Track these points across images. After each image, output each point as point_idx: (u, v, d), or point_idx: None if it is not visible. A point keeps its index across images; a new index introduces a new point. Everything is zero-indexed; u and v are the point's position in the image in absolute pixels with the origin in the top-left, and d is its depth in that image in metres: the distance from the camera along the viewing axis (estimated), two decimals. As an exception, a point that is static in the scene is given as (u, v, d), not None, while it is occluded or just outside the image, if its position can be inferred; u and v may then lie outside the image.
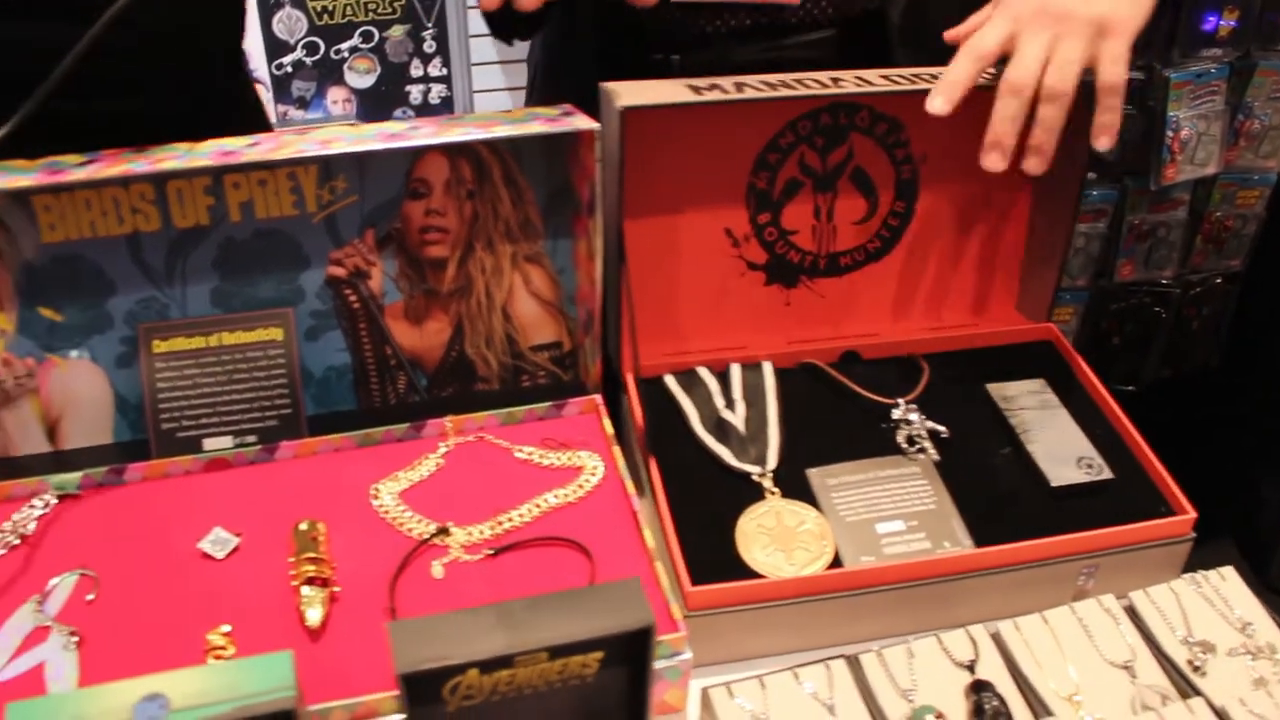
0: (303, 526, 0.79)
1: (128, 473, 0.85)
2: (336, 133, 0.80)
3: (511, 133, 0.79)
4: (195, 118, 0.83)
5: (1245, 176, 1.67)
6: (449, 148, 0.84)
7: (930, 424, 0.92)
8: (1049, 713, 0.74)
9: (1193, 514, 0.85)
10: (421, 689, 0.64)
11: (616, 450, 0.87)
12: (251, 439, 0.86)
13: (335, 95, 2.35)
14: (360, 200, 0.85)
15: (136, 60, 0.87)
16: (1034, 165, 0.86)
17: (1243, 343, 1.91)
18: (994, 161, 0.85)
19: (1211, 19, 1.52)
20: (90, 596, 0.76)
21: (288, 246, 0.85)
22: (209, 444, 0.86)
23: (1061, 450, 0.91)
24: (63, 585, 0.77)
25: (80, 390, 0.86)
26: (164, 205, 0.81)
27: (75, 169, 0.75)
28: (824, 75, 0.90)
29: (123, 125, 0.81)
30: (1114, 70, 0.84)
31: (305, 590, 0.75)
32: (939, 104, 0.86)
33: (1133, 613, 0.82)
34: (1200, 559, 0.86)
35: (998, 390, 0.97)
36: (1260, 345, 1.83)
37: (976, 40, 0.86)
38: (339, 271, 0.87)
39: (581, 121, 0.80)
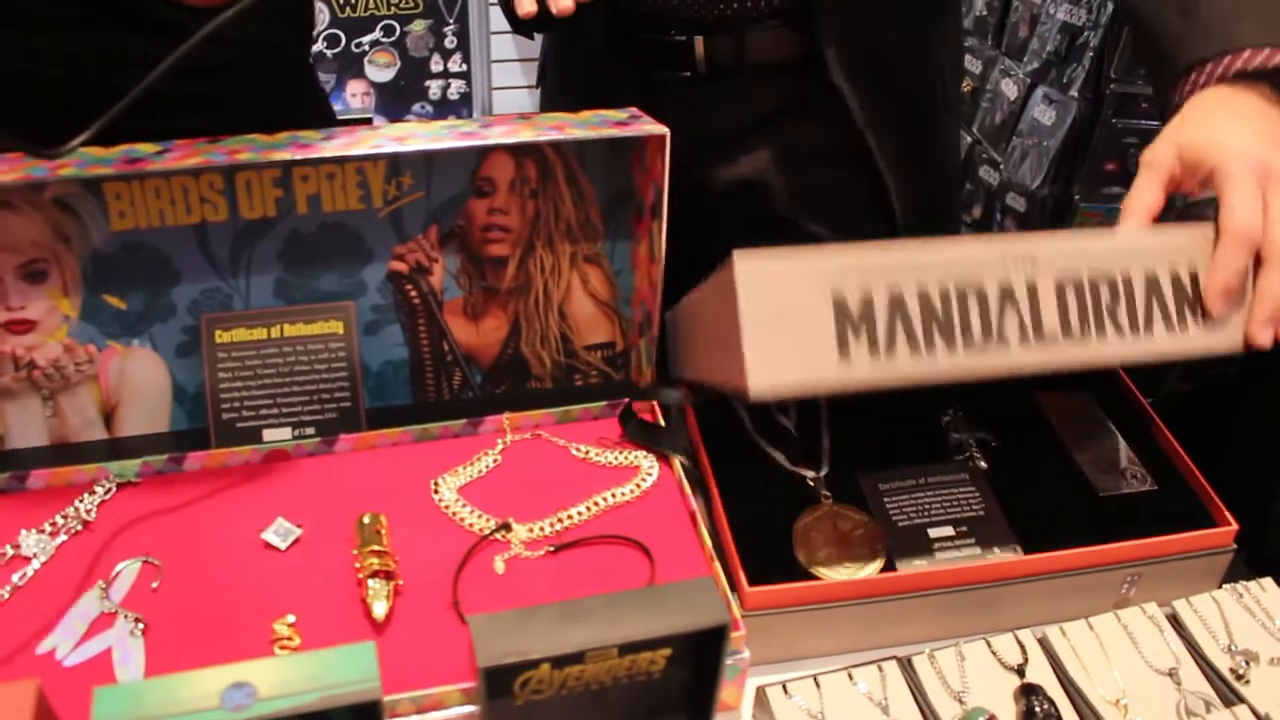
0: (366, 519, 0.80)
1: (187, 461, 0.85)
2: (409, 129, 0.81)
3: (585, 135, 0.80)
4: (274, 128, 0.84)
5: None
6: (516, 148, 0.85)
7: (979, 434, 0.93)
8: (1097, 717, 0.76)
9: (1234, 526, 0.87)
10: (496, 683, 0.65)
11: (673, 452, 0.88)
12: (310, 431, 0.87)
13: (354, 88, 2.35)
14: (426, 197, 0.86)
15: (225, 75, 0.88)
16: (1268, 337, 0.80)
17: (1261, 355, 1.92)
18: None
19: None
20: (155, 584, 0.77)
21: (352, 240, 0.86)
22: (268, 435, 0.87)
23: (1107, 460, 0.92)
24: (127, 572, 0.78)
25: (139, 378, 0.87)
26: (232, 196, 0.82)
27: (152, 158, 0.76)
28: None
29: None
30: None
31: (371, 583, 0.76)
32: (1267, 336, 0.79)
33: (1176, 621, 0.84)
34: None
35: (1045, 399, 0.99)
36: (1278, 358, 1.84)
37: (1243, 225, 0.77)
38: (401, 267, 0.88)
39: (650, 126, 0.81)
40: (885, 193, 1.11)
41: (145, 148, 0.78)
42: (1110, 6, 1.64)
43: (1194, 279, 0.79)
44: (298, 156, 0.77)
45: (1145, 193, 0.82)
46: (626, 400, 0.91)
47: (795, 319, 0.72)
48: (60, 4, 0.83)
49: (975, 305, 0.75)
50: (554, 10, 0.78)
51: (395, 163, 0.84)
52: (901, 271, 0.73)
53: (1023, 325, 0.76)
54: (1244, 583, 0.87)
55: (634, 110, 0.85)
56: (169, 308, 0.85)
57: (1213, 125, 0.81)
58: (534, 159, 0.86)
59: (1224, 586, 0.87)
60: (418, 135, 0.79)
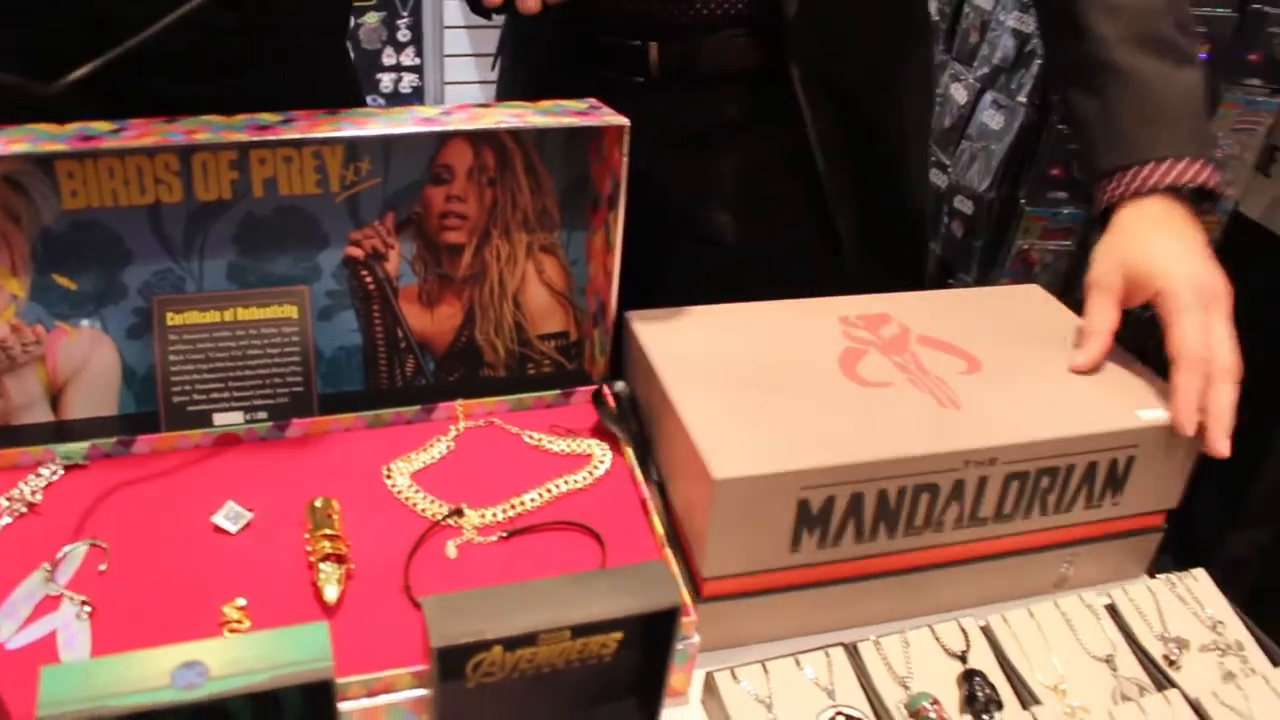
0: (318, 503, 0.80)
1: (136, 445, 0.85)
2: (368, 114, 0.81)
3: (544, 123, 0.81)
4: (299, 102, 0.83)
5: (1205, 202, 1.74)
6: (475, 135, 0.85)
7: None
8: (1036, 701, 0.78)
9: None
10: (449, 664, 0.66)
11: (624, 440, 0.89)
12: (262, 416, 0.87)
13: (306, 79, 2.33)
14: (383, 182, 0.86)
15: (238, 40, 0.88)
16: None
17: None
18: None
19: (1182, 49, 1.59)
20: (102, 567, 0.76)
21: (308, 225, 0.86)
22: (219, 419, 0.86)
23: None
24: (73, 555, 0.77)
25: (88, 360, 0.86)
26: (187, 177, 0.81)
27: (107, 136, 0.75)
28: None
29: (226, 108, 0.81)
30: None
31: (323, 567, 0.76)
32: (1225, 446, 0.87)
33: (1113, 610, 0.86)
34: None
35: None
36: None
37: (1197, 351, 0.86)
38: (357, 252, 0.88)
39: (610, 116, 0.82)
40: (831, 217, 1.11)
41: (101, 125, 0.77)
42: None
43: (1128, 465, 0.85)
44: (255, 139, 0.77)
45: (1101, 314, 0.90)
46: (596, 386, 0.92)
47: (759, 520, 0.77)
48: None
49: (925, 501, 0.80)
50: (519, 9, 0.78)
51: (353, 148, 0.84)
52: (869, 477, 0.78)
53: (961, 514, 0.82)
54: (1177, 574, 0.90)
55: (593, 101, 0.86)
56: (120, 289, 0.84)
57: (1152, 246, 0.88)
58: (492, 147, 0.86)
59: (1159, 577, 0.90)
60: (376, 120, 0.79)
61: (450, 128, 0.80)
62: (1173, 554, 1.94)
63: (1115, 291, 0.91)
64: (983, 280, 1.79)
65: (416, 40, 2.36)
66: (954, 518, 0.82)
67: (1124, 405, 0.86)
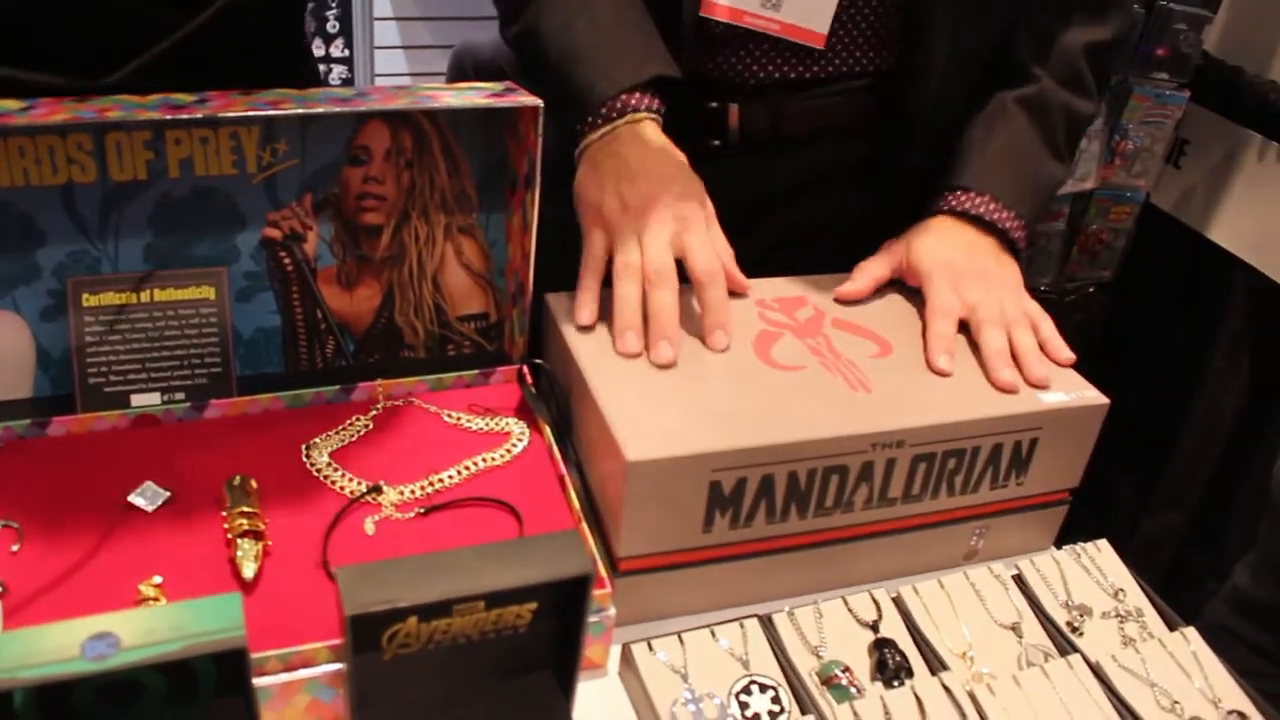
0: (236, 481, 0.80)
1: (51, 426, 0.84)
2: (284, 94, 0.81)
3: (458, 103, 0.82)
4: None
5: (1119, 194, 1.79)
6: (391, 116, 0.86)
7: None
8: (945, 667, 0.80)
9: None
10: (364, 634, 0.66)
11: (541, 418, 0.90)
12: (180, 397, 0.87)
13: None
14: (301, 164, 0.86)
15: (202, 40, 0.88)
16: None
17: (1109, 348, 2.04)
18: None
19: (1092, 44, 1.64)
20: (15, 548, 0.76)
21: (225, 206, 0.86)
22: (137, 400, 0.86)
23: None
24: (-15, 535, 0.76)
25: (1, 342, 0.85)
26: (101, 157, 0.81)
27: (17, 114, 0.75)
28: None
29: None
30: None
31: (241, 543, 0.76)
32: (1006, 376, 0.90)
33: (1020, 580, 0.89)
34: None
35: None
36: (1124, 351, 1.96)
37: (943, 303, 0.96)
38: (275, 233, 0.88)
39: (525, 97, 0.83)
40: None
41: (10, 103, 0.76)
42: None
43: (1032, 446, 0.88)
44: (170, 118, 0.77)
45: (877, 267, 1.01)
46: (518, 367, 0.93)
47: (672, 501, 0.78)
48: None
49: (835, 482, 0.83)
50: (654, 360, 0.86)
51: (270, 128, 0.84)
52: (779, 459, 0.79)
53: (871, 495, 0.85)
54: (1082, 544, 0.93)
55: (509, 83, 0.87)
56: (33, 270, 0.83)
57: (932, 243, 1.01)
58: (409, 129, 0.87)
59: (1064, 548, 0.93)
60: (293, 101, 0.80)
61: (365, 108, 0.80)
62: (1091, 537, 1.99)
63: (895, 260, 1.02)
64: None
65: (346, 32, 2.34)
66: (863, 498, 0.84)
67: (1028, 389, 0.89)
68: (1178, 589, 2.01)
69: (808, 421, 0.80)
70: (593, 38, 0.97)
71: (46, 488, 0.80)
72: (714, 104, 1.07)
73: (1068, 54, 1.07)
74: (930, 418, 0.83)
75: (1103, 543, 0.94)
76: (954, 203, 1.04)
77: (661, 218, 0.89)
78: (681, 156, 0.96)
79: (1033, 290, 1.75)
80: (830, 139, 1.11)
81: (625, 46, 0.97)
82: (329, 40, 2.35)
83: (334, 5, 2.30)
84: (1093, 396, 0.89)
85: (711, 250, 0.90)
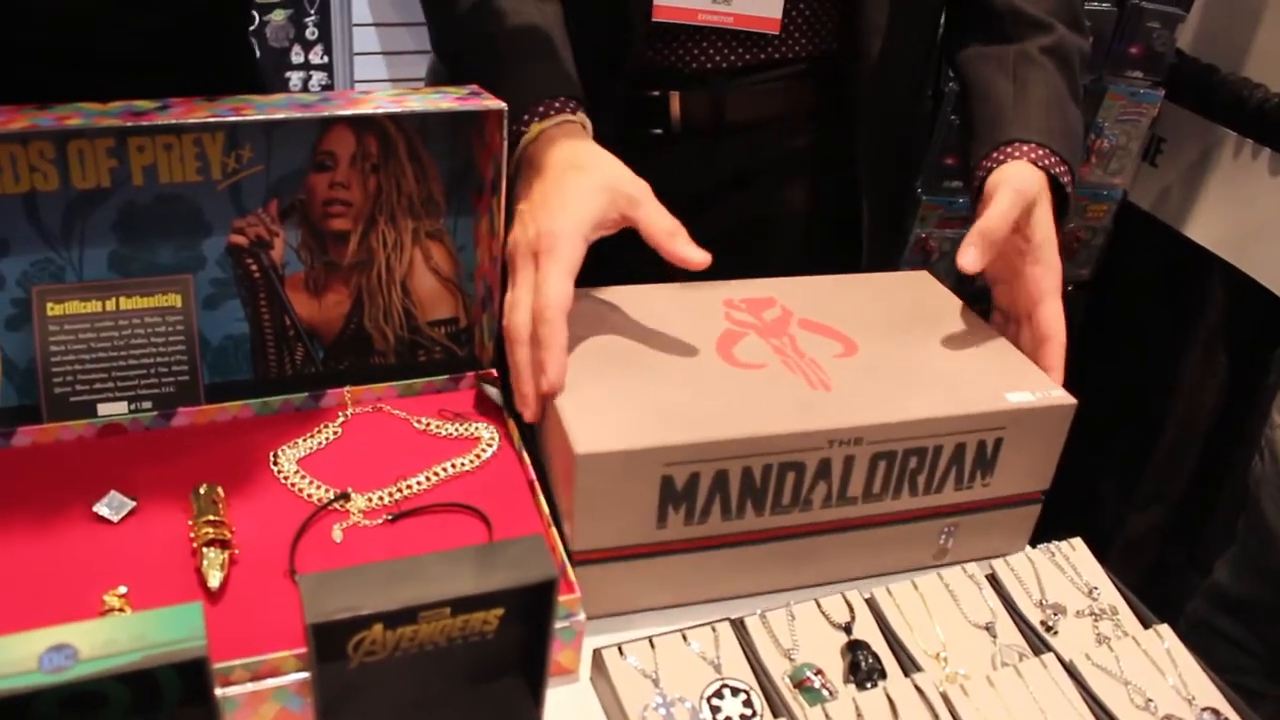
0: (202, 489, 0.80)
1: (16, 436, 0.83)
2: (246, 100, 0.81)
3: (422, 108, 0.81)
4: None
5: (1096, 191, 1.80)
6: (356, 121, 0.85)
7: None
8: (918, 668, 0.80)
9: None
10: (328, 642, 0.66)
11: (511, 422, 0.90)
12: (147, 405, 0.86)
13: (212, 78, 2.30)
14: (266, 170, 0.85)
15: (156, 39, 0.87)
16: None
17: (1091, 348, 2.05)
18: None
19: (1067, 42, 1.64)
20: (-22, 558, 0.75)
21: (190, 213, 0.85)
22: (104, 409, 0.85)
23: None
24: (-52, 547, 0.76)
25: (-35, 353, 0.84)
26: (64, 165, 0.81)
27: (-25, 123, 0.74)
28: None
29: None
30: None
31: (207, 552, 0.75)
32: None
33: (994, 579, 0.89)
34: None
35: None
36: (1104, 350, 1.97)
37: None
38: (241, 240, 0.87)
39: (490, 101, 0.83)
40: (857, 221, 1.14)
41: (-32, 113, 0.76)
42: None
43: (997, 446, 0.88)
44: (133, 124, 0.76)
45: (998, 227, 0.93)
46: (485, 370, 0.93)
47: (624, 495, 0.78)
48: None
49: (791, 479, 0.82)
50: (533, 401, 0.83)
51: (234, 135, 0.83)
52: (732, 454, 0.79)
53: (829, 493, 0.84)
54: (1056, 543, 0.93)
55: (474, 87, 0.86)
56: (-4, 280, 0.83)
57: (1044, 216, 0.97)
58: (375, 134, 0.87)
59: (1039, 547, 0.93)
60: (255, 107, 0.79)
61: (329, 114, 0.80)
62: (1074, 535, 1.99)
63: (1014, 219, 0.94)
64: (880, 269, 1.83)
65: (325, 38, 2.34)
66: (821, 496, 0.83)
67: (993, 388, 0.88)
68: (1161, 586, 2.02)
69: (763, 418, 0.80)
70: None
71: (11, 498, 0.80)
72: (655, 92, 1.06)
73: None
74: (888, 415, 0.83)
75: (1077, 541, 0.94)
76: (1036, 159, 0.98)
77: (522, 264, 0.86)
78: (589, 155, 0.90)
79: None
80: (772, 126, 1.10)
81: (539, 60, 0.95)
82: (308, 47, 2.34)
83: (312, 11, 2.30)
84: (1059, 396, 0.89)
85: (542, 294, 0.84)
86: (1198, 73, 1.75)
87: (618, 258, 0.91)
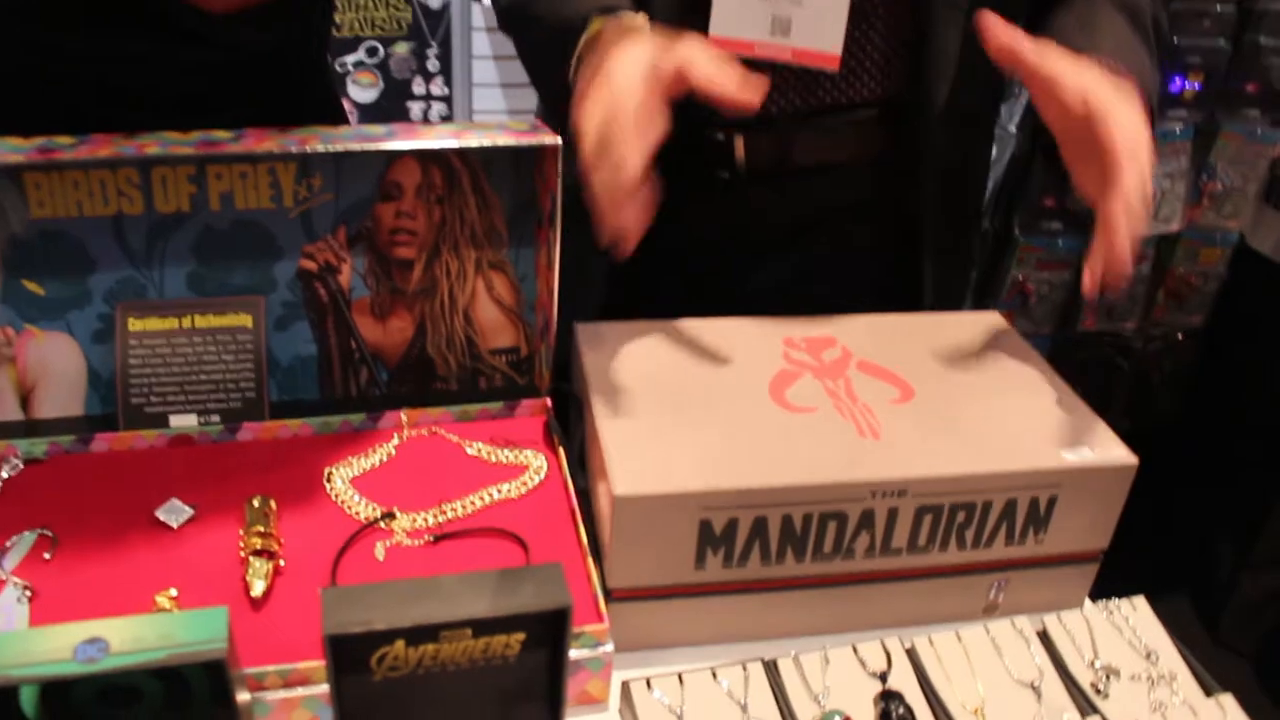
0: (255, 501, 0.83)
1: (94, 443, 0.89)
2: (316, 131, 0.85)
3: (479, 143, 0.84)
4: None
5: (1209, 235, 1.73)
6: (422, 154, 0.89)
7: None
8: (952, 723, 0.78)
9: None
10: (349, 655, 0.68)
11: (562, 451, 0.92)
12: (215, 419, 0.91)
13: (337, 106, 2.40)
14: (335, 198, 0.89)
15: (227, 77, 0.92)
16: None
17: (1204, 399, 1.96)
18: None
19: (1177, 81, 1.58)
20: (47, 555, 0.80)
21: (263, 237, 0.90)
22: (175, 421, 0.90)
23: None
24: (21, 543, 0.81)
25: (56, 362, 0.90)
26: (148, 190, 0.86)
27: (67, 149, 0.80)
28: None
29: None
30: None
31: (253, 561, 0.79)
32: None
33: (1044, 636, 0.86)
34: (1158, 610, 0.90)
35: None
36: (1220, 399, 1.88)
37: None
38: (310, 265, 0.92)
39: (546, 136, 0.85)
40: (919, 279, 1.13)
41: (63, 139, 0.82)
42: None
43: (1050, 504, 0.85)
44: (209, 153, 0.81)
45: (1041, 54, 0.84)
46: (540, 398, 0.95)
47: (662, 537, 0.79)
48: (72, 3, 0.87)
49: (833, 529, 0.81)
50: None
51: (306, 164, 0.88)
52: (771, 502, 0.79)
53: (873, 543, 0.83)
54: (1116, 600, 0.90)
55: (536, 121, 0.89)
56: (85, 295, 0.89)
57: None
58: (440, 166, 0.90)
59: (1099, 603, 0.90)
60: (324, 139, 0.83)
61: (393, 146, 0.84)
62: (1193, 601, 1.92)
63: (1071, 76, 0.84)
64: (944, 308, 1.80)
65: (445, 70, 2.42)
66: (864, 546, 0.82)
67: (1050, 443, 0.86)
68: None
69: (805, 465, 0.80)
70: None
71: (84, 500, 0.85)
72: (720, 135, 1.06)
73: None
74: (935, 469, 0.81)
75: (1139, 600, 0.90)
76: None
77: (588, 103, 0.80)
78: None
79: (1115, 335, 1.70)
80: (838, 171, 1.09)
81: None
82: (429, 78, 2.43)
83: (434, 44, 2.38)
84: (1120, 456, 0.85)
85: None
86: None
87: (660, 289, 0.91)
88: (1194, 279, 1.75)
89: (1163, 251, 1.71)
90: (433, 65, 2.41)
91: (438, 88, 2.43)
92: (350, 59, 2.36)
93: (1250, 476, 1.80)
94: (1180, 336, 1.76)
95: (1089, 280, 0.83)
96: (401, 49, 2.37)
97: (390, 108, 2.43)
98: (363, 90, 2.41)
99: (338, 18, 2.31)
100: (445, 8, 2.36)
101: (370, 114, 2.43)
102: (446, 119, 2.45)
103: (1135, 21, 0.99)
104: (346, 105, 2.41)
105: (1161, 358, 1.74)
